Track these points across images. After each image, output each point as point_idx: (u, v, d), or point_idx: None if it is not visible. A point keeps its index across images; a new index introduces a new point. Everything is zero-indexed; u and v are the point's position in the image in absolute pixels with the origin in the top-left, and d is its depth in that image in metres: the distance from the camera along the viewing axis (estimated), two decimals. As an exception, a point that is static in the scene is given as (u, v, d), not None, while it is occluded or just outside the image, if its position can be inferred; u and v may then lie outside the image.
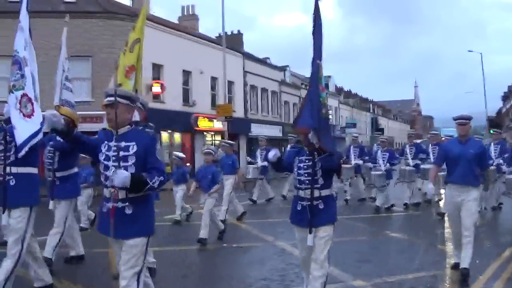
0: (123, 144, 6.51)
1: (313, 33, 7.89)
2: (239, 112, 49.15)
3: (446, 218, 13.31)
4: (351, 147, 25.33)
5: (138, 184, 6.28)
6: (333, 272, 10.37)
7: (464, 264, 9.85)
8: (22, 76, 8.08)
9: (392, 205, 21.34)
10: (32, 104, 8.07)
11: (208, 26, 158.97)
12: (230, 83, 48.10)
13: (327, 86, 71.37)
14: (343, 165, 22.13)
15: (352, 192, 24.59)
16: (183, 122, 40.85)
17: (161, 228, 16.41)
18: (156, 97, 38.83)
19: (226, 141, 21.21)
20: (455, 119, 10.77)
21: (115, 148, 6.49)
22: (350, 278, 10.01)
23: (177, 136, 41.32)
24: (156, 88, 38.62)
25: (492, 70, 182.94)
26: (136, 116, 8.97)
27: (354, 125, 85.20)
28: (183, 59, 41.86)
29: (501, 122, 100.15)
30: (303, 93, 71.20)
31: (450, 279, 9.88)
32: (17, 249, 7.91)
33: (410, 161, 21.95)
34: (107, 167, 6.54)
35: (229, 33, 54.51)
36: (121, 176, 6.10)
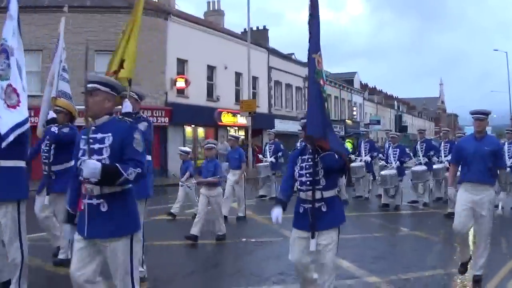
0: (99, 135, 6.03)
1: (309, 24, 7.46)
2: (263, 108, 49.24)
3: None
4: (362, 142, 24.79)
5: (110, 175, 5.74)
6: (349, 268, 10.53)
7: (478, 271, 9.52)
8: (9, 66, 7.83)
9: (415, 201, 21.30)
10: (18, 95, 7.86)
11: (234, 21, 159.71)
12: (255, 79, 48.20)
13: (351, 82, 71.17)
14: (352, 164, 22.64)
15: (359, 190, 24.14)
16: (206, 117, 41.02)
17: (181, 223, 16.61)
18: (180, 92, 39.07)
19: (232, 134, 21.06)
20: (472, 113, 10.12)
21: (91, 140, 6.01)
22: (365, 274, 10.07)
23: (200, 131, 41.52)
24: (180, 83, 38.83)
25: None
26: (129, 107, 8.97)
27: (378, 122, 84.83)
28: (207, 54, 42.06)
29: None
30: (328, 89, 71.18)
31: (464, 277, 9.90)
32: (15, 246, 7.71)
33: (422, 159, 21.40)
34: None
35: (254, 28, 54.58)
36: (91, 166, 5.60)
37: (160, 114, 36.56)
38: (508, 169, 16.67)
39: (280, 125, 50.73)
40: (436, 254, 12.19)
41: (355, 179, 23.99)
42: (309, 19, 7.46)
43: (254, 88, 47.62)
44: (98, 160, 5.79)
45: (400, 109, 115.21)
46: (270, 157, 23.82)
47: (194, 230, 13.32)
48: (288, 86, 58.57)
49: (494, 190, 9.92)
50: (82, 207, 6.06)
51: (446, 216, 17.11)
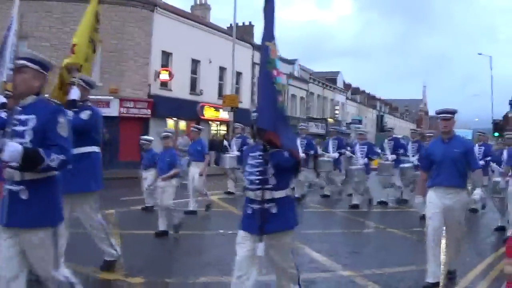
0: (22, 117, 5.51)
1: (264, 10, 6.91)
2: (245, 103, 49.31)
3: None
4: (330, 140, 23.69)
5: (31, 160, 5.24)
6: (324, 261, 10.66)
7: (452, 267, 9.64)
8: None
9: (384, 202, 20.88)
10: None
11: (221, 16, 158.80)
12: (238, 74, 48.35)
13: (334, 81, 71.25)
14: (320, 158, 22.54)
15: (330, 187, 23.52)
16: (189, 110, 41.06)
17: (156, 213, 16.71)
18: (163, 84, 39.10)
19: (195, 125, 19.11)
20: (437, 113, 9.64)
21: (15, 122, 5.53)
22: (340, 268, 10.17)
23: (182, 124, 41.56)
24: (164, 76, 38.84)
25: (502, 75, 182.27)
26: (76, 95, 8.86)
27: (360, 122, 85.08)
28: (192, 48, 42.10)
29: (506, 126, 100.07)
30: (311, 87, 71.45)
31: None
32: None
33: (389, 156, 21.22)
34: None
35: (240, 24, 54.68)
36: (10, 149, 5.11)
37: (142, 106, 36.61)
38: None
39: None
40: (410, 250, 12.31)
41: (323, 174, 23.26)
42: (264, 5, 6.94)
43: (237, 83, 47.72)
44: (20, 144, 5.28)
45: (382, 110, 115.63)
46: (237, 150, 22.60)
47: (162, 226, 13.30)
48: (272, 82, 58.30)
49: (466, 192, 9.48)
50: (4, 193, 5.56)
51: (421, 218, 17.08)
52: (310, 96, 72.25)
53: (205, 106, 43.32)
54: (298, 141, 19.46)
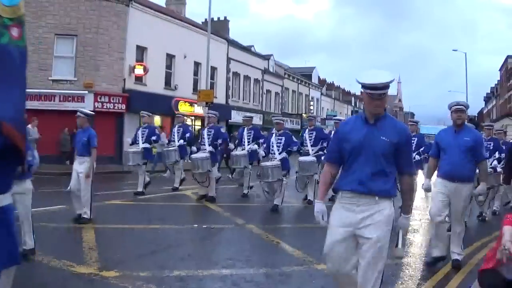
0: None
1: None
2: (220, 99, 49.33)
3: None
4: (245, 129, 21.03)
5: None
6: (299, 256, 10.76)
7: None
8: None
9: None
10: None
11: (197, 10, 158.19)
12: (213, 69, 48.24)
13: (309, 77, 71.35)
14: (234, 152, 21.02)
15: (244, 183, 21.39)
16: (164, 105, 40.96)
17: (134, 207, 16.74)
18: (138, 79, 38.97)
19: (82, 110, 15.08)
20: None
21: None
22: (315, 261, 10.26)
23: (157, 119, 41.52)
24: (139, 70, 38.70)
25: (480, 71, 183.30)
26: None
27: (334, 117, 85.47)
28: (167, 43, 41.99)
29: (481, 122, 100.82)
30: (286, 82, 71.62)
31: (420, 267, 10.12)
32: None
33: (310, 149, 19.03)
34: None
35: (215, 19, 54.73)
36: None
37: (117, 101, 36.53)
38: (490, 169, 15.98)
39: (237, 117, 50.85)
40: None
41: (238, 171, 22.20)
42: None
43: (212, 78, 47.72)
44: None
45: (357, 105, 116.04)
46: (178, 140, 21.14)
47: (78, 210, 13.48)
48: (247, 78, 58.69)
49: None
50: None
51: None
52: (285, 92, 72.33)
53: (180, 101, 43.25)
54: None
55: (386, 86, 6.08)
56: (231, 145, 22.49)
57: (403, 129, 6.32)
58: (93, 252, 10.29)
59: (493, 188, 16.61)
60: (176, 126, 22.02)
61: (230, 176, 23.44)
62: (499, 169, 16.75)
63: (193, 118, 46.13)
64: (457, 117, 10.36)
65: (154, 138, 20.85)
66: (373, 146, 6.11)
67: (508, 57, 74.75)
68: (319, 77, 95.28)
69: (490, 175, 15.27)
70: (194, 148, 20.69)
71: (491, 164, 16.16)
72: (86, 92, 34.83)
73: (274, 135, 18.00)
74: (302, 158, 18.78)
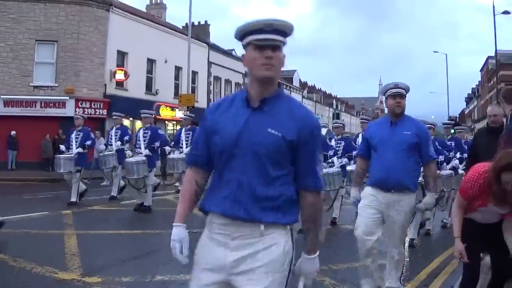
0: None
1: None
2: (201, 103, 49.34)
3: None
4: (182, 129, 19.75)
5: None
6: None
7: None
8: None
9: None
10: None
11: (178, 14, 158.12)
12: (194, 73, 48.32)
13: (290, 80, 71.61)
14: (171, 155, 19.15)
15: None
16: (145, 110, 40.95)
17: (115, 212, 16.75)
18: (119, 84, 39.01)
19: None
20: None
21: None
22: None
23: (138, 124, 41.49)
24: (120, 75, 38.82)
25: (461, 72, 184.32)
26: None
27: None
28: (148, 48, 42.02)
29: (462, 123, 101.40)
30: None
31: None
32: None
33: (185, 149, 18.13)
34: None
35: (196, 23, 54.77)
36: None
37: (98, 106, 36.55)
38: (450, 171, 14.93)
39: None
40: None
41: (175, 176, 20.45)
42: None
43: (193, 82, 47.80)
44: None
45: (339, 108, 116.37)
46: (116, 142, 19.46)
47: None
48: (228, 81, 58.71)
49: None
50: None
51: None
52: (266, 95, 71.98)
53: (161, 106, 43.30)
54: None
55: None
56: (167, 148, 19.92)
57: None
58: (75, 258, 10.29)
59: (441, 198, 14.12)
60: (114, 129, 20.01)
61: (163, 181, 21.55)
62: (460, 171, 14.96)
63: (174, 122, 46.07)
64: (395, 104, 7.69)
65: (127, 138, 19.87)
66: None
67: (489, 57, 75.10)
68: (300, 80, 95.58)
69: (449, 177, 14.62)
70: (129, 152, 19.36)
71: (451, 165, 15.21)
72: (67, 98, 34.83)
73: (141, 130, 17.47)
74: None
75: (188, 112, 21.83)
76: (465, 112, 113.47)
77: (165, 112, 43.76)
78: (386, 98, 7.86)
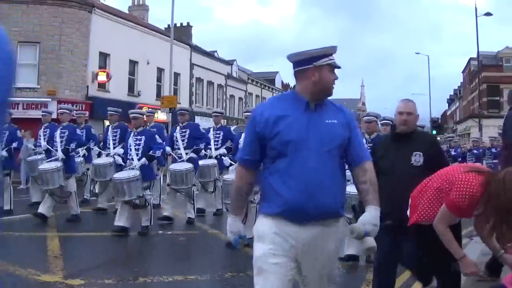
0: None
1: None
2: (184, 104, 49.19)
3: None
4: (109, 127, 17.58)
5: None
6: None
7: None
8: None
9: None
10: None
11: (160, 16, 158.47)
12: (176, 75, 48.31)
13: (272, 81, 71.88)
14: (96, 161, 17.19)
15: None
16: (127, 112, 40.88)
17: (98, 215, 16.71)
18: (101, 86, 39.02)
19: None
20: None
21: None
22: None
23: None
24: (102, 77, 38.81)
25: (444, 73, 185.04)
26: None
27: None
28: (130, 49, 42.05)
29: (444, 124, 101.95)
30: (249, 87, 71.76)
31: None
32: None
33: (112, 151, 16.04)
34: None
35: (178, 24, 54.83)
36: None
37: (80, 108, 36.41)
38: None
39: (201, 122, 50.88)
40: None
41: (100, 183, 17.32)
42: None
43: (175, 84, 47.79)
44: None
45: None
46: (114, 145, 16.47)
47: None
48: (210, 83, 58.79)
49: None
50: None
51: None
52: (248, 97, 72.57)
53: (143, 108, 43.28)
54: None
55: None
56: (95, 148, 18.75)
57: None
58: (58, 261, 10.32)
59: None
60: (42, 128, 17.01)
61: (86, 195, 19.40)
62: None
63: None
64: (333, 79, 5.03)
65: (92, 142, 18.60)
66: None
67: (471, 59, 75.46)
68: (282, 81, 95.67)
69: None
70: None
71: None
72: (50, 99, 34.72)
73: (132, 134, 14.13)
74: None
75: (168, 112, 20.54)
76: (447, 114, 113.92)
77: (147, 114, 43.79)
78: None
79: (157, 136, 14.49)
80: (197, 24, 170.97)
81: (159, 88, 47.43)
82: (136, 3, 54.20)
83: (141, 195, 13.21)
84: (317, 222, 4.58)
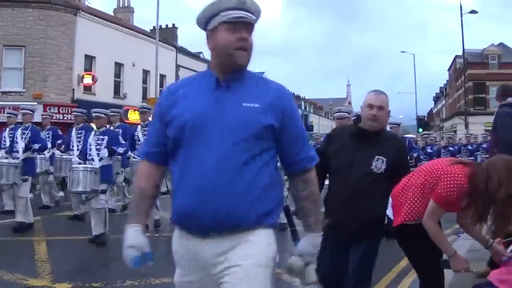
0: None
1: None
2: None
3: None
4: (73, 129, 16.65)
5: None
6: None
7: None
8: None
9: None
10: None
11: (145, 17, 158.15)
12: (162, 77, 48.17)
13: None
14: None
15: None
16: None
17: (88, 218, 16.76)
18: (87, 88, 38.98)
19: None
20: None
21: None
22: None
23: (108, 128, 41.50)
24: (88, 80, 38.78)
25: (430, 71, 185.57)
26: None
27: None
28: (115, 51, 41.96)
29: (431, 122, 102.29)
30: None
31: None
32: None
33: (20, 153, 14.33)
34: None
35: (163, 26, 54.82)
36: None
37: (66, 111, 36.41)
38: None
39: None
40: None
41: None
42: None
43: (161, 86, 47.61)
44: None
45: (307, 109, 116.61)
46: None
47: None
48: (196, 84, 58.65)
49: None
50: None
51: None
52: (235, 97, 72.23)
53: (130, 110, 43.22)
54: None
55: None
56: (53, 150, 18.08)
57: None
58: (45, 265, 10.35)
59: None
60: (7, 129, 15.82)
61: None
62: None
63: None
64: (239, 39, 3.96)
65: (59, 142, 18.43)
66: None
67: (456, 56, 75.71)
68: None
69: None
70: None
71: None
72: (36, 103, 34.68)
73: (93, 133, 13.29)
74: None
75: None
76: (433, 111, 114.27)
77: (133, 116, 43.58)
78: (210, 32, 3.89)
79: (120, 137, 14.16)
80: (183, 26, 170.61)
81: (145, 90, 47.45)
82: (121, 5, 54.15)
83: (96, 188, 12.33)
84: (221, 236, 3.53)
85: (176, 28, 59.90)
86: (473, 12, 54.94)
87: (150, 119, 15.26)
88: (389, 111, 6.18)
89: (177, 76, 53.11)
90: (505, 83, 10.99)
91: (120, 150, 13.30)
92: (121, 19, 49.38)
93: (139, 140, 15.20)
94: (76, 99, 37.50)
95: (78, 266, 10.52)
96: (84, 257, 11.50)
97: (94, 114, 13.55)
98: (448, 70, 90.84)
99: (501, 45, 71.87)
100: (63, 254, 11.69)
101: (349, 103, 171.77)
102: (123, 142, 14.18)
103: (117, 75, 43.65)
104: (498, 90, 9.51)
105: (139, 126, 16.02)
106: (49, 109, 35.24)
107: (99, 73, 39.80)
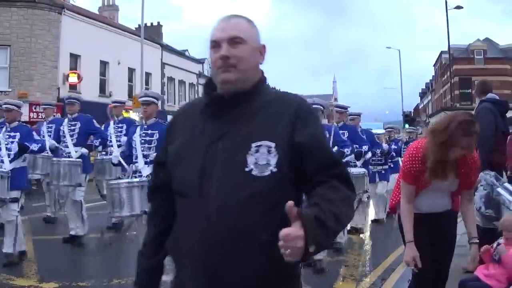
0: None
1: None
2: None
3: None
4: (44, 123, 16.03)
5: None
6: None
7: None
8: None
9: None
10: None
11: (131, 15, 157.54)
12: (148, 75, 48.23)
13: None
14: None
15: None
16: (99, 112, 40.71)
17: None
18: (72, 87, 38.75)
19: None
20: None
21: None
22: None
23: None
24: (73, 79, 38.61)
25: (416, 67, 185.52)
26: None
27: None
28: (101, 50, 41.78)
29: (417, 117, 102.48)
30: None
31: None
32: None
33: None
34: None
35: (148, 24, 54.75)
36: None
37: (53, 111, 36.33)
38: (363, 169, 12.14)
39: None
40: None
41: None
42: None
43: (147, 84, 47.66)
44: None
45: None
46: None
47: None
48: (181, 82, 58.62)
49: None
50: None
51: None
52: (221, 95, 72.13)
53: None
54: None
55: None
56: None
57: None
58: (32, 264, 10.36)
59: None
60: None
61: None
62: (360, 171, 11.90)
63: (128, 124, 45.96)
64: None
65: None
66: None
67: (442, 52, 75.84)
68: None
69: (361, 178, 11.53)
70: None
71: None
72: (21, 102, 34.60)
73: (4, 130, 11.16)
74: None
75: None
76: (420, 107, 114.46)
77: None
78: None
79: (34, 133, 11.77)
80: (168, 23, 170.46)
81: (130, 88, 47.27)
82: (106, 4, 54.07)
83: (3, 197, 10.15)
84: None
85: (161, 26, 59.79)
86: (458, 7, 54.99)
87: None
88: (263, 46, 3.18)
89: (162, 74, 53.01)
90: (484, 79, 11.18)
91: (34, 147, 11.04)
92: (106, 17, 49.23)
93: (64, 136, 13.54)
94: (61, 98, 37.38)
95: (64, 266, 10.56)
96: (71, 256, 11.51)
97: (5, 106, 11.51)
98: (434, 65, 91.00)
99: (487, 40, 72.20)
100: (50, 254, 11.70)
101: (336, 99, 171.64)
102: (38, 138, 11.86)
103: (103, 73, 43.52)
104: (478, 86, 9.77)
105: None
106: (35, 108, 35.15)
107: (85, 72, 39.62)
